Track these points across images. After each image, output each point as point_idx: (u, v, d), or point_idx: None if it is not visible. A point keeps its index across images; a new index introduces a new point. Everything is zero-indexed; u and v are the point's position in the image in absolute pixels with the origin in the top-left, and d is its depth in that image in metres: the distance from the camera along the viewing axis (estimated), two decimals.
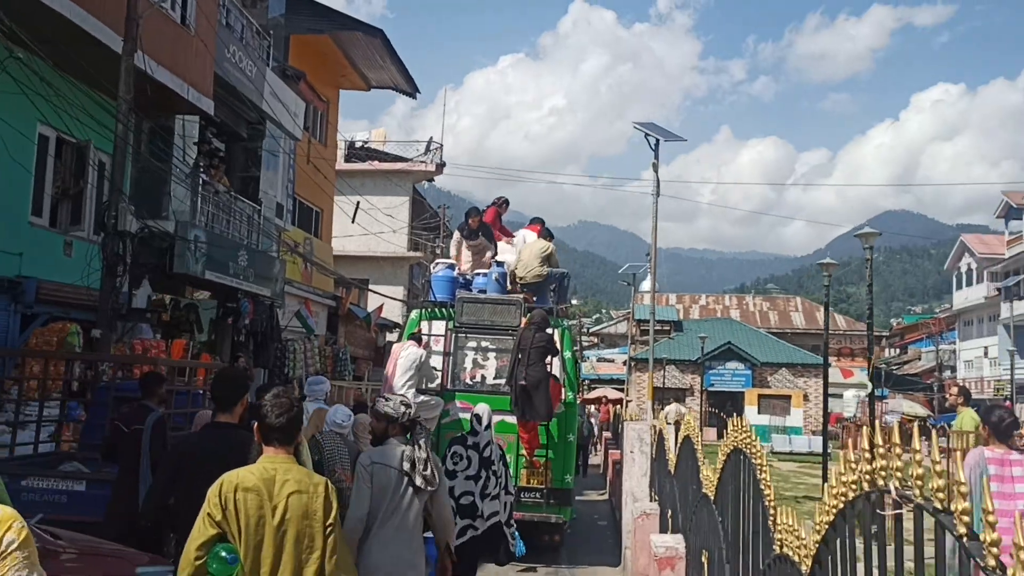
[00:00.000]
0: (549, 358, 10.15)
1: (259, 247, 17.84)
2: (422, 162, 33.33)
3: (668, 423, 10.31)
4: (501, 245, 12.97)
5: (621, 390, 40.72)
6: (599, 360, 53.30)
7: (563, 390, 10.52)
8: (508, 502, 7.54)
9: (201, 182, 15.36)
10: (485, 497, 7.27)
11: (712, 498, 5.53)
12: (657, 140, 16.85)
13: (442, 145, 33.98)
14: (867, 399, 40.68)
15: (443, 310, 11.34)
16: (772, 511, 3.67)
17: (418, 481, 4.94)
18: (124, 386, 8.97)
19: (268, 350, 18.12)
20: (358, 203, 23.71)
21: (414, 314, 11.76)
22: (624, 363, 47.55)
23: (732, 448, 4.82)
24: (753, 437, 4.27)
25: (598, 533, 13.74)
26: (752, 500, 4.20)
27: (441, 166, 33.56)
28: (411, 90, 25.95)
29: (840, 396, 41.62)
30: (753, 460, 4.14)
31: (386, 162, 32.90)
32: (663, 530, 8.22)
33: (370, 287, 28.76)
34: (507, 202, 13.83)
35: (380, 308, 24.52)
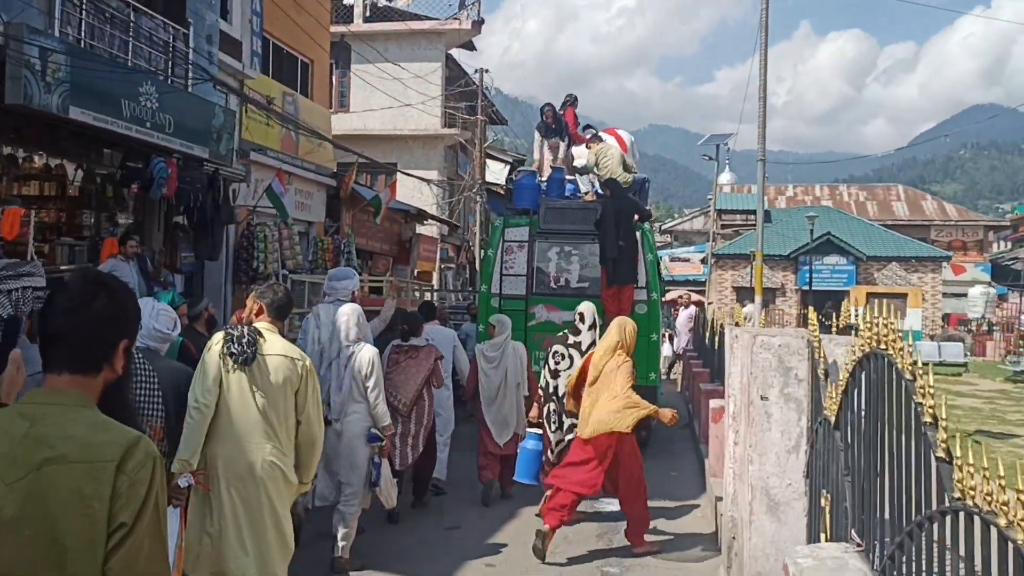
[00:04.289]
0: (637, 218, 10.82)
1: (189, 88, 12.52)
2: (455, 19, 27.41)
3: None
4: (580, 149, 12.79)
5: (700, 292, 34.98)
6: (672, 260, 47.34)
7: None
8: None
9: None
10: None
11: None
12: None
13: (479, 0, 27.93)
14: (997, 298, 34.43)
15: (524, 217, 11.51)
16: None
17: None
18: None
19: (212, 236, 12.95)
20: (342, 35, 17.99)
21: (498, 222, 12.09)
22: (702, 261, 41.73)
23: None
24: None
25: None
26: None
27: (479, 23, 27.57)
28: None
29: (964, 295, 35.22)
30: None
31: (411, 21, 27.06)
32: None
33: (399, 170, 23.38)
34: (576, 99, 13.55)
35: (393, 187, 19.02)
